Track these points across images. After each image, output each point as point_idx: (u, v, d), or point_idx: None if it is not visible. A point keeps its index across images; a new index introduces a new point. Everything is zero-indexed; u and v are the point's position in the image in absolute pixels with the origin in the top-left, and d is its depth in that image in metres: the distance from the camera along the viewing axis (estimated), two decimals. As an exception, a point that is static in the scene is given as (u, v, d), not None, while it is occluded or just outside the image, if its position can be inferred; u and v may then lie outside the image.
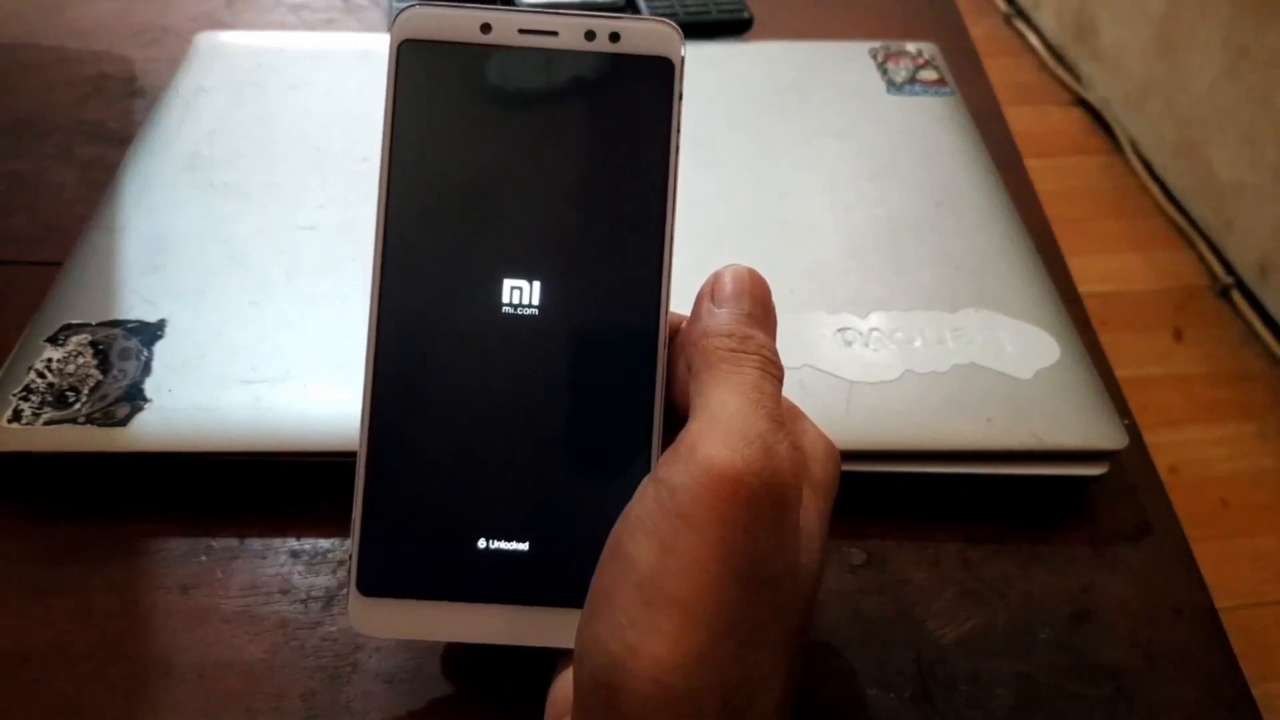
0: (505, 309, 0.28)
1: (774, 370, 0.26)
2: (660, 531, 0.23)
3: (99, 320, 0.38)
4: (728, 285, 0.27)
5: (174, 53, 0.55)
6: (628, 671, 0.22)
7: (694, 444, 0.24)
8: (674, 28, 0.28)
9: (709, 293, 0.28)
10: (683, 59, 0.28)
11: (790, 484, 0.24)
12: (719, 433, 0.24)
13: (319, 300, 0.39)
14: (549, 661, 0.28)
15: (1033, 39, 1.81)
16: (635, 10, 0.58)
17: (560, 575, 0.27)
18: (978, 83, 0.57)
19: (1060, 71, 1.74)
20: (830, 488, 0.28)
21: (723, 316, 0.27)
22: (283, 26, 0.61)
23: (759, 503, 0.23)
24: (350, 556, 0.28)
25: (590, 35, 0.28)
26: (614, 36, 0.28)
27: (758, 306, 0.27)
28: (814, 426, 0.28)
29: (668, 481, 0.24)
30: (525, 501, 0.27)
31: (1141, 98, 1.56)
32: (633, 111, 0.28)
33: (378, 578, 0.28)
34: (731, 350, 0.26)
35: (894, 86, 0.51)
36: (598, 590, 0.24)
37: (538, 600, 0.27)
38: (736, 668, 0.23)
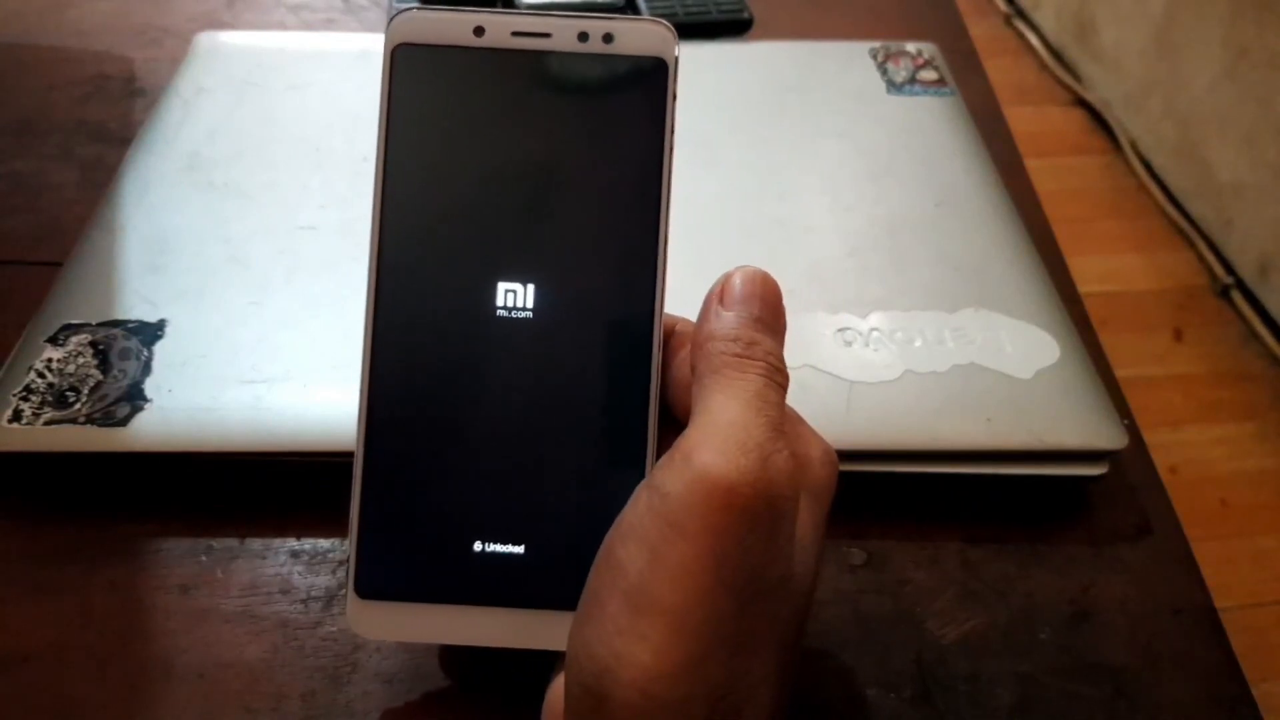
0: (500, 312, 0.27)
1: (779, 378, 0.26)
2: (651, 539, 0.23)
3: (99, 320, 0.38)
4: (737, 287, 0.27)
5: (174, 53, 0.55)
6: (615, 680, 0.22)
7: (690, 451, 0.24)
8: (668, 27, 0.28)
9: (718, 294, 0.27)
10: (677, 59, 0.28)
11: (786, 495, 0.24)
12: (716, 440, 0.23)
13: (319, 300, 0.39)
14: (547, 662, 0.27)
15: (1033, 39, 1.81)
16: (635, 11, 0.58)
17: (555, 578, 0.27)
18: (978, 83, 0.57)
19: (1060, 71, 1.74)
20: (827, 493, 0.27)
21: (729, 320, 0.26)
22: (283, 27, 0.61)
23: (753, 513, 0.23)
24: (348, 560, 0.28)
25: (584, 37, 0.28)
26: (607, 38, 0.28)
27: (767, 311, 0.26)
28: (810, 431, 0.28)
29: (661, 488, 0.23)
30: (520, 504, 0.27)
31: (1141, 98, 1.56)
32: (627, 112, 0.28)
33: (375, 581, 0.28)
34: (736, 355, 0.25)
35: (894, 86, 0.51)
36: (589, 595, 0.24)
37: (533, 603, 0.27)
38: (725, 677, 0.23)
